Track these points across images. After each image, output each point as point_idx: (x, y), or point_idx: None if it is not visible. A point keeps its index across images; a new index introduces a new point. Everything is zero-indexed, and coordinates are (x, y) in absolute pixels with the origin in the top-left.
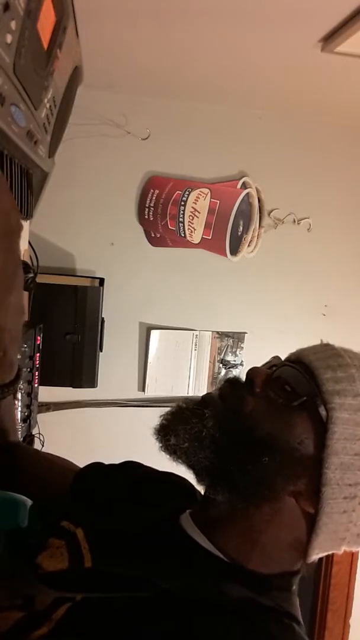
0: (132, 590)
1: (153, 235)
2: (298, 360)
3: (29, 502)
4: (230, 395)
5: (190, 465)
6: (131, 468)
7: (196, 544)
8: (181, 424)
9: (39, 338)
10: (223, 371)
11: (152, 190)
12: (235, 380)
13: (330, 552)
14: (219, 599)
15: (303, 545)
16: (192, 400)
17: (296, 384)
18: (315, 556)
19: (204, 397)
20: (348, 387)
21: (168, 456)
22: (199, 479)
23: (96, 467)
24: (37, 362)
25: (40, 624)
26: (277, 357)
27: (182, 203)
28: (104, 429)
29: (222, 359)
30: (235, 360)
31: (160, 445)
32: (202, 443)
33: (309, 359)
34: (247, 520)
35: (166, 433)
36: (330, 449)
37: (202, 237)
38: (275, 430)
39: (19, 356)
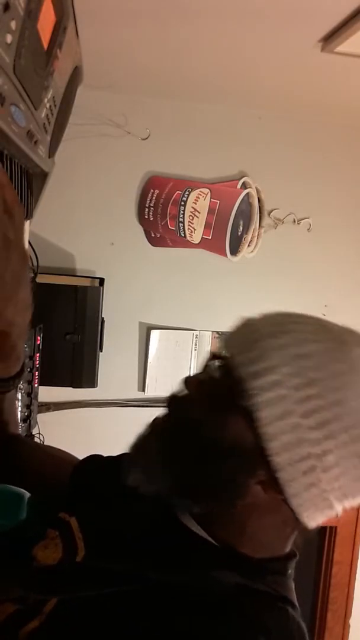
0: (123, 584)
1: (153, 235)
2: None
3: (27, 494)
4: (171, 412)
5: (157, 495)
6: None
7: (190, 532)
8: (131, 463)
9: (39, 338)
10: None
11: (152, 190)
12: (174, 397)
13: (331, 516)
14: (213, 588)
15: (292, 522)
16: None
17: (217, 382)
18: (314, 524)
19: (152, 421)
20: (263, 365)
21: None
22: (171, 502)
23: (95, 460)
24: (37, 362)
25: (31, 617)
26: (210, 357)
27: (182, 203)
28: (104, 429)
29: None
30: None
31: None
32: (150, 476)
33: (229, 346)
34: (231, 516)
35: (127, 471)
36: (266, 435)
37: (202, 237)
38: (215, 433)
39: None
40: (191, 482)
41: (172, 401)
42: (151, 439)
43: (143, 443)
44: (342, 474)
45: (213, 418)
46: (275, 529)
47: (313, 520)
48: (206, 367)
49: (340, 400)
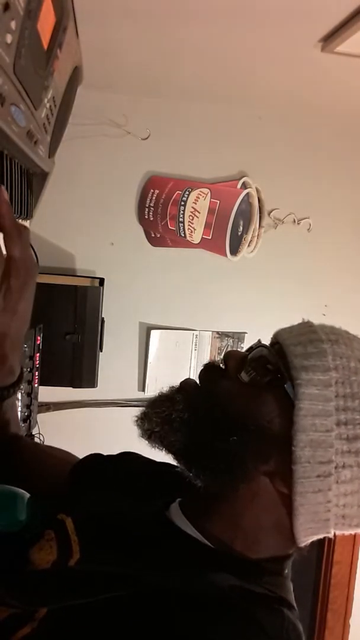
0: (118, 588)
1: (153, 235)
2: (276, 341)
3: (27, 494)
4: (204, 378)
5: (166, 449)
6: (129, 460)
7: (183, 533)
8: (154, 408)
9: (39, 338)
10: None
11: (152, 190)
12: (210, 365)
13: (321, 536)
14: (206, 590)
15: (287, 529)
16: (174, 387)
17: (266, 362)
18: (304, 539)
19: (181, 382)
20: (318, 363)
21: (146, 442)
22: (178, 463)
23: (94, 459)
24: (37, 362)
25: (24, 622)
26: (259, 341)
27: (182, 203)
28: (104, 429)
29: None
30: None
31: (139, 431)
32: (172, 425)
33: (283, 337)
34: (229, 505)
35: (142, 419)
36: (298, 425)
37: (202, 237)
38: (244, 409)
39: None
40: (204, 450)
41: (207, 369)
42: (179, 397)
43: (171, 396)
44: (351, 494)
45: (248, 394)
46: (270, 529)
47: (303, 529)
48: (252, 349)
49: None
